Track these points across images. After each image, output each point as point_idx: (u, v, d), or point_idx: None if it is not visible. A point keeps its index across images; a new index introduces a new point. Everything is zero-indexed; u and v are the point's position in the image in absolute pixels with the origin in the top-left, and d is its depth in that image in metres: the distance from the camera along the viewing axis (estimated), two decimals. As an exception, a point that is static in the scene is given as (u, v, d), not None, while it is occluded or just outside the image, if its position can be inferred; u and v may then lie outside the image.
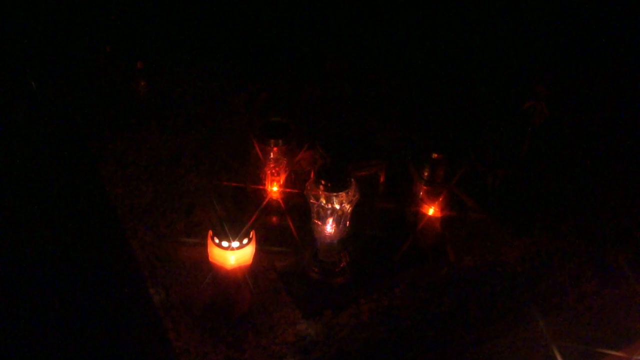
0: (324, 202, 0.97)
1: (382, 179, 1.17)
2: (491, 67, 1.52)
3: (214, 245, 0.93)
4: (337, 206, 0.97)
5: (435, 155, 1.09)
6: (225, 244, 0.92)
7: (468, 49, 1.56)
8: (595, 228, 1.21)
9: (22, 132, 1.53)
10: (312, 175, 0.99)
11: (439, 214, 1.15)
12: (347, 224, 1.01)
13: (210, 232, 0.94)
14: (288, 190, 1.20)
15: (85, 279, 1.26)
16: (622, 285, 1.07)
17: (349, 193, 0.97)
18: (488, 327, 0.99)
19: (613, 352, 0.94)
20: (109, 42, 1.57)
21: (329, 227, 1.00)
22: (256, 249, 0.97)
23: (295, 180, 1.21)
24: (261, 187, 1.20)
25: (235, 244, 0.92)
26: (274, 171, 1.17)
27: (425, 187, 1.13)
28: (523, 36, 1.49)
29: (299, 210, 1.14)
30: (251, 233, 0.95)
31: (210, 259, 0.96)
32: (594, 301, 1.05)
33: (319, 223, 1.00)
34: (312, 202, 0.98)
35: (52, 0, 1.58)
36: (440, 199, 1.14)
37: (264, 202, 1.19)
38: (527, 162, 1.29)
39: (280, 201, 1.19)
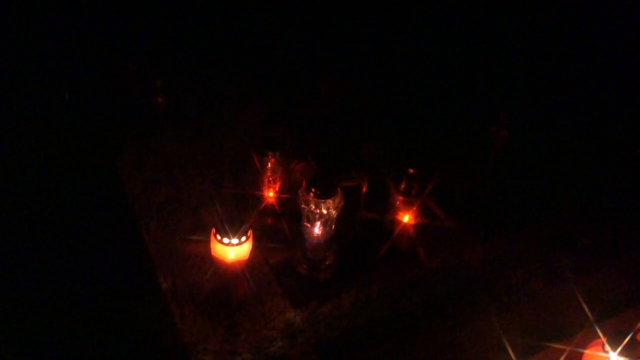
0: (314, 207, 1.00)
1: (364, 190, 1.19)
2: (462, 97, 1.55)
3: (216, 242, 0.97)
4: (325, 211, 1.00)
5: (411, 171, 1.14)
6: (226, 240, 0.96)
7: (444, 84, 1.59)
8: (544, 236, 1.22)
9: (56, 138, 1.60)
10: (303, 184, 1.01)
11: (413, 222, 1.19)
12: (333, 227, 1.04)
13: (213, 230, 0.97)
14: (283, 195, 1.22)
15: (103, 267, 1.31)
16: (565, 286, 1.10)
17: (335, 200, 1.00)
18: (451, 320, 1.03)
19: (555, 345, 0.96)
20: (132, 62, 1.62)
21: (317, 229, 1.03)
22: (253, 245, 1.01)
23: (289, 188, 1.22)
24: (259, 192, 1.22)
25: (235, 240, 0.96)
26: (270, 179, 1.20)
27: (401, 198, 1.17)
28: (489, 71, 1.52)
29: (292, 213, 1.16)
30: (249, 232, 0.99)
31: (213, 253, 0.99)
32: (541, 299, 1.08)
33: (309, 225, 1.03)
34: (303, 207, 1.01)
35: (87, 25, 1.63)
36: (414, 209, 1.18)
37: (261, 206, 1.21)
38: (489, 177, 1.33)
39: (276, 205, 1.22)
